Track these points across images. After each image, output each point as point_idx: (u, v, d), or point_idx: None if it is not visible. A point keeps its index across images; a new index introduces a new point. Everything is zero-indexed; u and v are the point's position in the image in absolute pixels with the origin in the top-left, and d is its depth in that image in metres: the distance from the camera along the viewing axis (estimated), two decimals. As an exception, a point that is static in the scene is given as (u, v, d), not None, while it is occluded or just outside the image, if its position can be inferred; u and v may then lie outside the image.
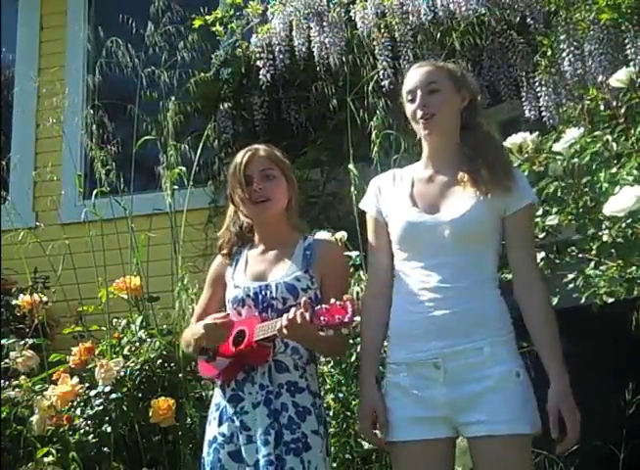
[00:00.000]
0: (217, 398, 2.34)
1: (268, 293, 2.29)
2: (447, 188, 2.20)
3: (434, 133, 2.22)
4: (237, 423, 2.25)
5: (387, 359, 2.26)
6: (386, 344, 2.29)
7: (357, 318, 2.76)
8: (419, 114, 2.21)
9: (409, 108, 2.25)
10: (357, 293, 3.02)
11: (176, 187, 3.82)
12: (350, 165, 3.52)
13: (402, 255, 2.22)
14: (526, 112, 3.81)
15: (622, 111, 2.11)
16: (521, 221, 2.16)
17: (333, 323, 2.03)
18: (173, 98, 4.08)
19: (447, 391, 2.10)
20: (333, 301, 2.06)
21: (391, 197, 2.28)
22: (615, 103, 2.16)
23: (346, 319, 2.01)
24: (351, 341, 2.91)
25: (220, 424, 2.28)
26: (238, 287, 2.34)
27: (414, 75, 2.26)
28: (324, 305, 2.06)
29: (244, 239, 2.44)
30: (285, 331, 2.11)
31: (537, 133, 2.06)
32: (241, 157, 2.38)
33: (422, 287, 2.15)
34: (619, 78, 2.07)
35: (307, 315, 2.06)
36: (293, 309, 2.10)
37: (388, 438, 2.18)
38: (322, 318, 2.04)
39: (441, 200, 2.20)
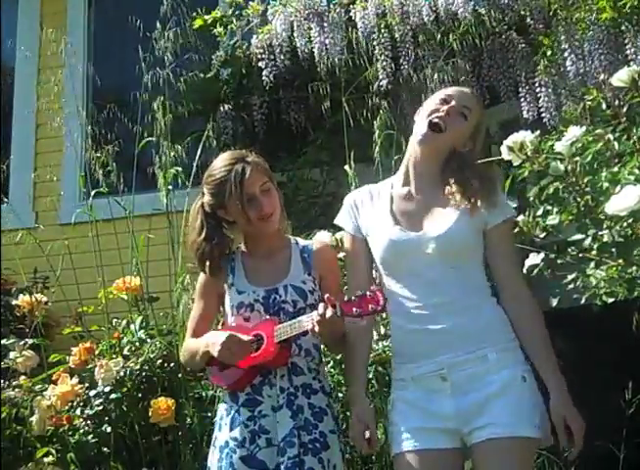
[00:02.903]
0: (227, 402, 2.33)
1: (278, 297, 2.29)
2: (429, 205, 2.20)
3: (428, 146, 2.20)
4: (254, 427, 2.23)
5: (393, 376, 2.26)
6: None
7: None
8: (435, 115, 2.18)
9: (432, 103, 2.22)
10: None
11: (170, 187, 3.83)
12: (346, 166, 3.53)
13: (390, 274, 2.21)
14: (525, 112, 3.80)
15: (624, 110, 2.11)
16: (503, 234, 2.18)
17: (367, 312, 2.07)
18: (161, 98, 4.07)
19: (455, 402, 2.09)
20: (360, 292, 2.09)
21: (371, 214, 2.27)
22: (616, 102, 2.17)
23: (379, 307, 2.05)
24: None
25: (232, 429, 2.27)
26: (243, 293, 2.33)
27: (459, 90, 2.27)
28: (352, 297, 2.10)
29: (229, 247, 2.41)
30: (317, 328, 2.11)
31: (538, 133, 2.06)
32: (240, 172, 2.29)
33: (416, 305, 2.14)
34: (621, 78, 2.07)
35: (338, 309, 2.08)
36: (321, 305, 2.12)
37: (394, 450, 2.16)
38: (354, 309, 2.08)
39: (423, 217, 2.19)
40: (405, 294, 2.17)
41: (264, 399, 2.25)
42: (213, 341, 2.23)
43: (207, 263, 2.38)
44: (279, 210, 2.36)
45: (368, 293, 2.07)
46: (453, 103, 2.19)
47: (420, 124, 2.22)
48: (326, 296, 2.16)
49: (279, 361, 2.24)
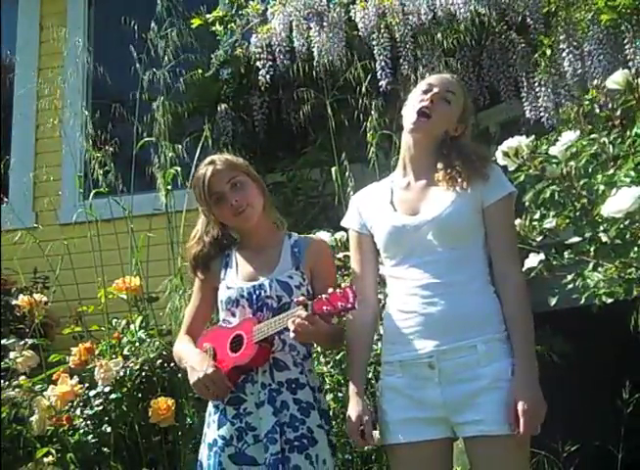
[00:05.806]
0: (214, 400, 2.33)
1: (262, 292, 2.29)
2: (425, 191, 2.23)
3: (419, 133, 2.24)
4: (240, 424, 2.24)
5: (382, 359, 2.27)
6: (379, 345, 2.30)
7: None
8: (420, 105, 2.23)
9: (417, 95, 2.27)
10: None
11: (169, 188, 3.84)
12: (333, 169, 3.54)
13: (391, 261, 2.24)
14: (527, 112, 3.81)
15: (619, 112, 2.11)
16: (499, 212, 2.18)
17: (336, 310, 2.08)
18: (162, 98, 4.08)
19: (443, 391, 2.10)
20: (331, 290, 2.08)
21: (373, 208, 2.30)
22: (611, 105, 2.17)
23: (349, 305, 2.05)
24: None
25: (220, 427, 2.27)
26: (231, 288, 2.34)
27: (440, 77, 2.33)
28: (323, 296, 2.09)
29: (221, 246, 2.42)
30: (298, 337, 2.13)
31: (533, 137, 2.06)
32: (202, 176, 2.33)
33: (414, 285, 2.16)
34: (616, 80, 2.07)
35: (309, 308, 2.08)
36: (295, 312, 2.12)
37: (385, 441, 2.19)
38: (324, 308, 2.08)
39: (421, 203, 2.22)
40: (404, 276, 2.19)
41: (247, 396, 2.26)
42: (196, 368, 2.26)
43: (200, 265, 2.41)
44: (258, 201, 2.36)
45: (338, 290, 2.07)
46: (435, 90, 2.24)
47: (408, 115, 2.27)
48: (296, 299, 2.17)
49: (258, 361, 2.24)
